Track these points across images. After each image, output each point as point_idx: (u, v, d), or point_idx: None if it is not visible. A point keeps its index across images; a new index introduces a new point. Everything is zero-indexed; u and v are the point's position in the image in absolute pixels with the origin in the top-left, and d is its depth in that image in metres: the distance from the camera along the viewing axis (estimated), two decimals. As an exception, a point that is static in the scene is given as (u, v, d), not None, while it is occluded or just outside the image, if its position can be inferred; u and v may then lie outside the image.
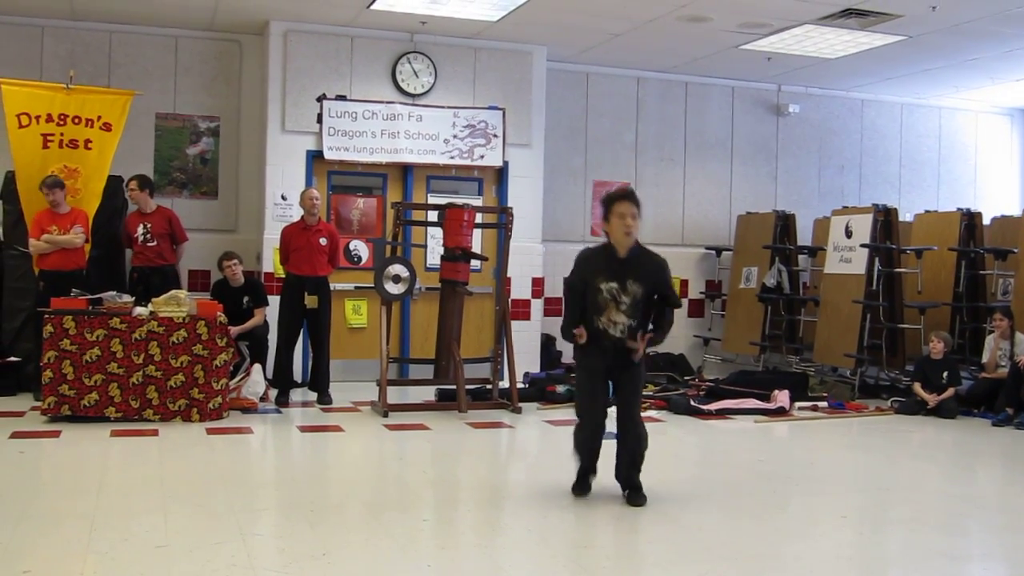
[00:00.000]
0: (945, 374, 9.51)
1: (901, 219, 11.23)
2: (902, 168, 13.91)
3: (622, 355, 5.70)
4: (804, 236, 12.45)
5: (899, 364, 10.73)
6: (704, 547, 4.92)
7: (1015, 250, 10.48)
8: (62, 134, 9.26)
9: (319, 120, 10.44)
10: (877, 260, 10.55)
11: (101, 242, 9.46)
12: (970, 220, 11.10)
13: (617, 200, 5.64)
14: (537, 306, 11.36)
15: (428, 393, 9.61)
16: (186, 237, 9.82)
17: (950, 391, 9.41)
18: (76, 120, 9.30)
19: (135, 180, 9.56)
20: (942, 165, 14.15)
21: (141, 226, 9.42)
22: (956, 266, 10.94)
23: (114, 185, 9.80)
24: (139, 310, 8.12)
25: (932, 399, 9.39)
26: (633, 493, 5.69)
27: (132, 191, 9.52)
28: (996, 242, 11.09)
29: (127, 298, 8.32)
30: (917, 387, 9.57)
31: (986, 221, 11.45)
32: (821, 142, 13.43)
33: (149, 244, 9.42)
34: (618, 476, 5.83)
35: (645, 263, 5.75)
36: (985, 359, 9.77)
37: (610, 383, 5.86)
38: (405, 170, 10.85)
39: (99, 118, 9.37)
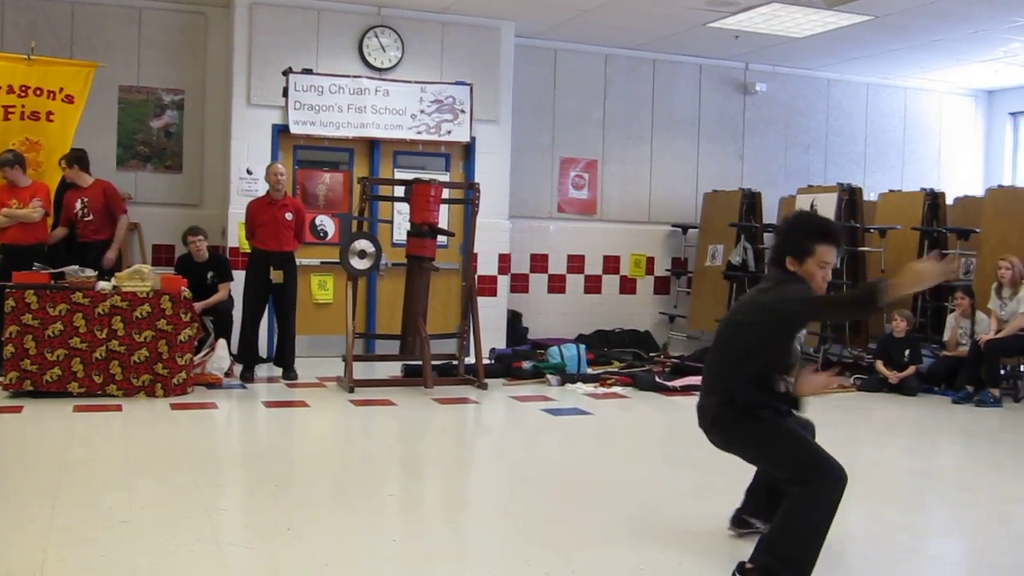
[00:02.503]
0: (907, 352, 9.62)
1: (865, 198, 11.32)
2: (867, 148, 14.00)
3: None
4: (770, 214, 12.51)
5: (862, 342, 10.84)
6: (669, 524, 4.95)
7: (977, 230, 10.58)
8: (23, 106, 9.14)
9: (285, 94, 10.35)
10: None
11: (64, 217, 9.35)
12: (933, 200, 11.20)
13: (822, 241, 4.18)
14: (504, 282, 11.36)
15: (394, 369, 9.60)
16: (123, 209, 9.46)
17: (912, 369, 9.51)
18: (38, 92, 9.17)
19: (63, 160, 9.22)
20: (907, 145, 14.25)
21: (79, 201, 9.17)
22: (919, 245, 11.03)
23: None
24: (102, 284, 8.05)
25: (894, 376, 9.49)
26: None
27: (64, 171, 9.19)
28: (959, 222, 11.20)
29: (89, 272, 8.24)
30: (879, 365, 9.67)
31: (949, 201, 11.56)
32: (787, 121, 13.48)
33: (86, 219, 9.18)
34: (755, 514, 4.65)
35: None
36: (946, 337, 9.89)
37: None
38: (372, 145, 10.79)
39: (61, 90, 9.25)
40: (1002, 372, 9.36)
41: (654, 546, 4.56)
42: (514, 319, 11.64)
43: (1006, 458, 7.09)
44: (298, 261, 9.42)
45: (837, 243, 4.25)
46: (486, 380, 8.98)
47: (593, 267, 12.46)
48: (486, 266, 11.12)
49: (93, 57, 9.94)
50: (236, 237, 10.14)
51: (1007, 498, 5.89)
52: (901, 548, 4.69)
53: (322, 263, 10.53)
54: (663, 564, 4.34)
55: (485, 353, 9.48)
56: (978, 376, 9.09)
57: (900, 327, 9.71)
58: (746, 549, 4.47)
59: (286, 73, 10.32)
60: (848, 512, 5.41)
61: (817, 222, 4.43)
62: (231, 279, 9.54)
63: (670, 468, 6.23)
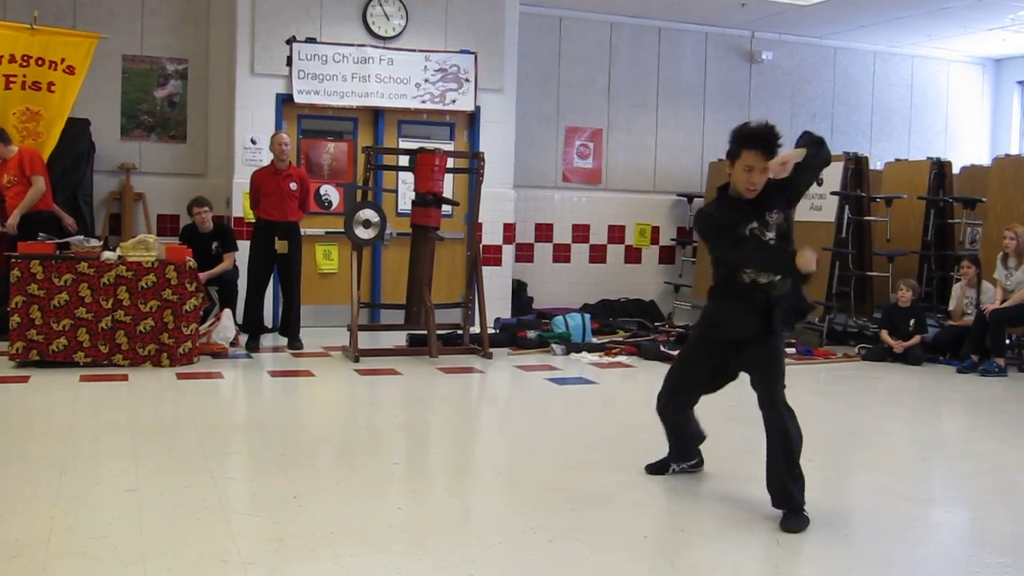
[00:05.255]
0: (912, 321, 9.61)
1: (872, 167, 11.28)
2: (874, 116, 13.94)
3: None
4: (775, 184, 12.46)
5: (867, 311, 10.83)
6: (673, 492, 4.97)
7: (983, 199, 10.55)
8: (25, 76, 9.12)
9: (289, 63, 10.30)
10: (847, 208, 10.60)
11: (66, 187, 9.33)
12: (940, 169, 11.17)
13: (746, 146, 4.46)
14: (508, 252, 11.35)
15: (399, 338, 9.61)
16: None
17: (916, 338, 9.51)
18: (40, 62, 9.14)
19: None
20: (913, 114, 14.19)
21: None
22: (925, 215, 11.02)
23: (79, 129, 9.66)
24: (107, 255, 8.06)
25: (899, 346, 9.49)
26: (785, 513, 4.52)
27: None
28: (965, 191, 11.17)
29: (95, 242, 8.24)
30: (884, 334, 9.67)
31: (956, 170, 11.52)
32: (794, 90, 13.42)
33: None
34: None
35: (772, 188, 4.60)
36: (951, 307, 9.88)
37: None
38: (376, 114, 10.75)
39: (63, 60, 9.22)
40: (1007, 342, 9.36)
41: (658, 514, 4.57)
42: (519, 288, 11.64)
43: (1010, 427, 7.10)
44: (303, 231, 9.41)
45: (763, 149, 4.42)
46: (491, 349, 8.99)
47: (598, 236, 12.44)
48: (491, 235, 11.11)
49: (95, 26, 9.91)
50: (240, 207, 10.13)
51: (1010, 467, 5.90)
52: (904, 516, 4.70)
53: (327, 233, 10.53)
54: (667, 530, 4.36)
55: (490, 323, 9.48)
56: (983, 346, 9.10)
57: (905, 297, 9.70)
58: (748, 517, 4.49)
59: (290, 42, 10.27)
60: (851, 480, 5.43)
61: (747, 128, 4.54)
62: (236, 249, 9.54)
63: (674, 437, 6.23)
